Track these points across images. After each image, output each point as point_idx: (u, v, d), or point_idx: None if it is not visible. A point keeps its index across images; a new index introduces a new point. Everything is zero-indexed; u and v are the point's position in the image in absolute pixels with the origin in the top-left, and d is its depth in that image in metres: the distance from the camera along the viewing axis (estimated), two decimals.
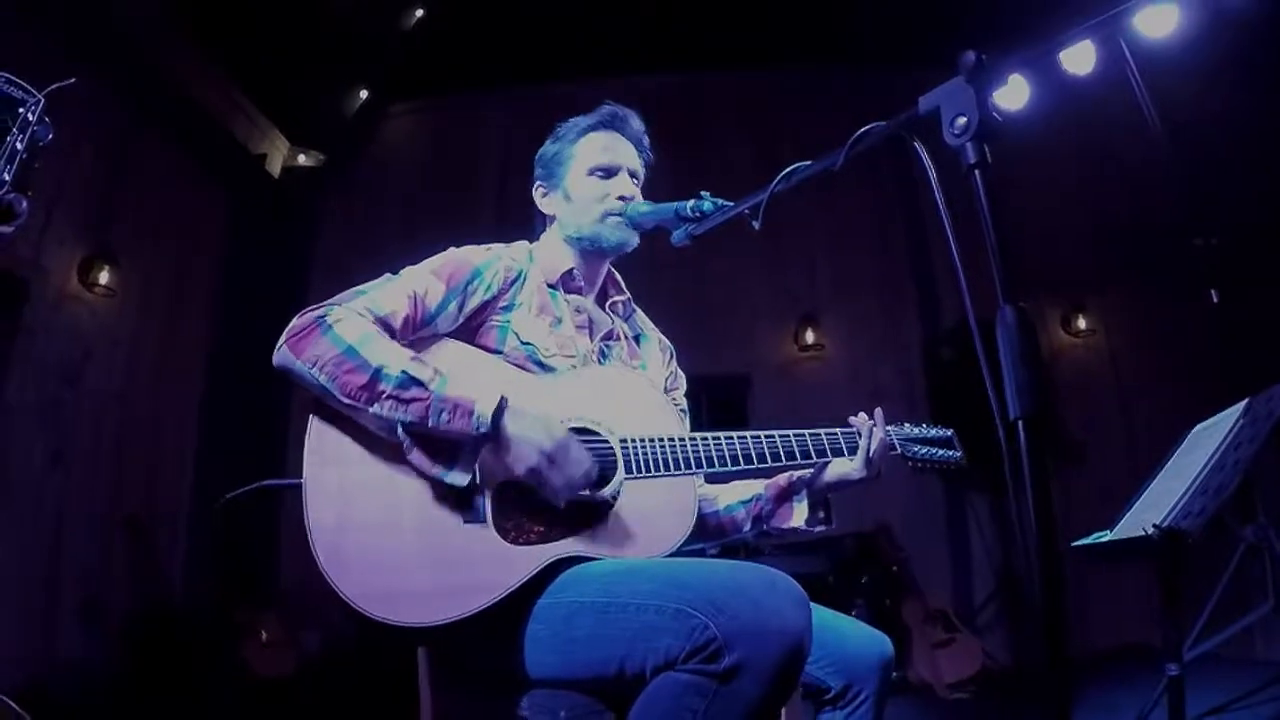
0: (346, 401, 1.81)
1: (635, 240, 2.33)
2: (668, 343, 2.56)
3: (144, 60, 6.53)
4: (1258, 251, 6.49)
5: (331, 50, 7.53)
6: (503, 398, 1.85)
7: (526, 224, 2.47)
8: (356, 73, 8.16)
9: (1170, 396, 7.02)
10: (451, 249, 2.16)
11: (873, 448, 2.26)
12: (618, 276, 2.46)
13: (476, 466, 1.86)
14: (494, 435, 1.84)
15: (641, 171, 2.40)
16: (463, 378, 1.88)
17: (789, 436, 2.18)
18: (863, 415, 2.31)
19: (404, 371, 1.82)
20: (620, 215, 2.29)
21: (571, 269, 2.30)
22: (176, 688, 5.87)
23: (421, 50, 7.91)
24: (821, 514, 2.40)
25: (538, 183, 2.41)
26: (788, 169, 1.84)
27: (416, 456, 1.84)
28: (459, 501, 1.87)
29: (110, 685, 5.87)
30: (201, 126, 7.32)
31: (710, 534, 2.47)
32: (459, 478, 1.84)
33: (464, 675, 2.03)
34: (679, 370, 2.56)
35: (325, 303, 1.92)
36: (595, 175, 2.32)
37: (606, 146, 2.36)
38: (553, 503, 1.89)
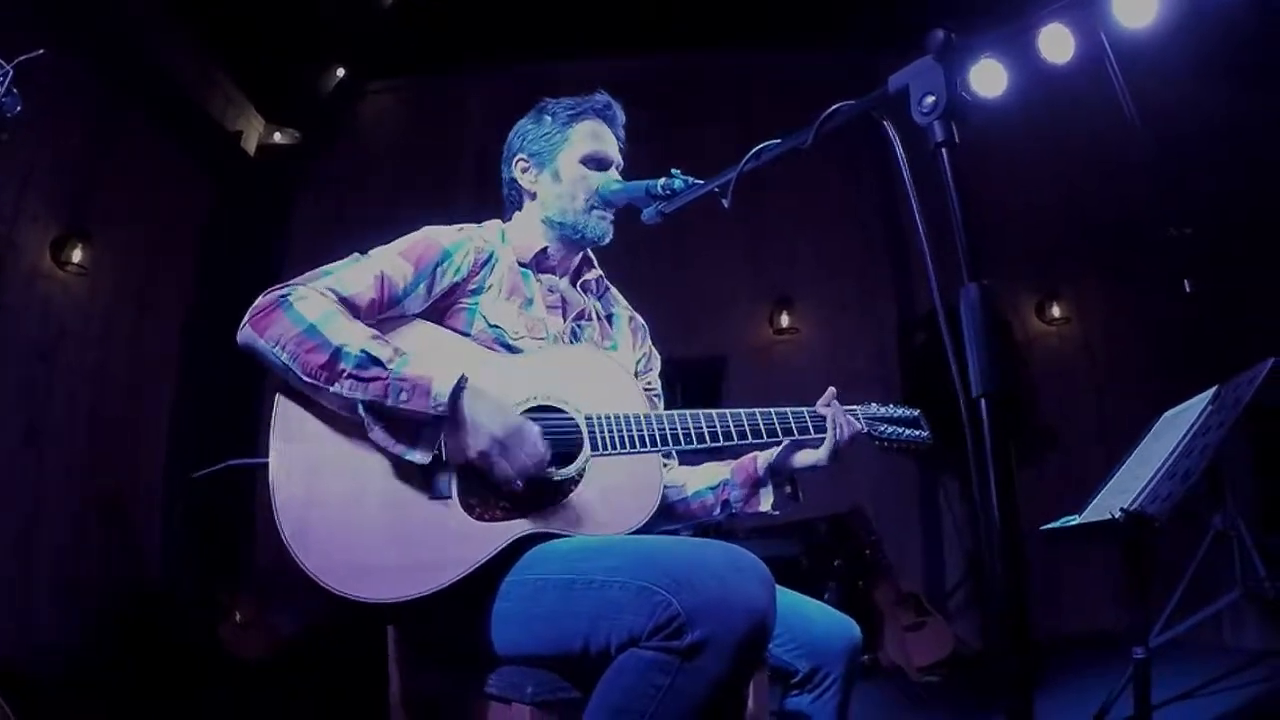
0: (307, 380, 1.81)
1: (611, 234, 2.34)
2: (640, 320, 2.56)
3: (120, 36, 6.47)
4: (1231, 243, 6.54)
5: (309, 28, 7.47)
6: (461, 377, 1.84)
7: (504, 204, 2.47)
8: (334, 50, 8.09)
9: (1143, 384, 7.06)
10: (422, 229, 2.16)
11: (840, 439, 2.26)
12: (590, 255, 2.46)
13: (441, 445, 1.86)
14: (451, 415, 1.83)
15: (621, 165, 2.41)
16: (425, 358, 1.88)
17: (755, 415, 2.18)
18: (831, 390, 2.31)
19: (363, 350, 1.81)
20: (604, 208, 2.30)
21: (545, 248, 2.30)
22: (152, 668, 5.85)
23: (400, 28, 7.85)
24: (789, 490, 2.40)
25: (519, 156, 2.39)
26: (757, 147, 1.84)
27: (379, 434, 1.83)
28: (425, 478, 1.87)
29: (85, 665, 5.84)
30: (177, 103, 7.25)
31: (681, 519, 2.48)
32: (421, 456, 1.84)
33: (432, 653, 2.04)
34: (654, 350, 2.56)
35: (289, 282, 1.91)
36: (588, 164, 2.32)
37: (600, 137, 2.36)
38: (505, 488, 1.88)
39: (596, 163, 2.32)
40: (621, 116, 2.43)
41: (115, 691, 5.54)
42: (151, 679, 5.74)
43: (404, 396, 1.80)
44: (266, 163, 8.38)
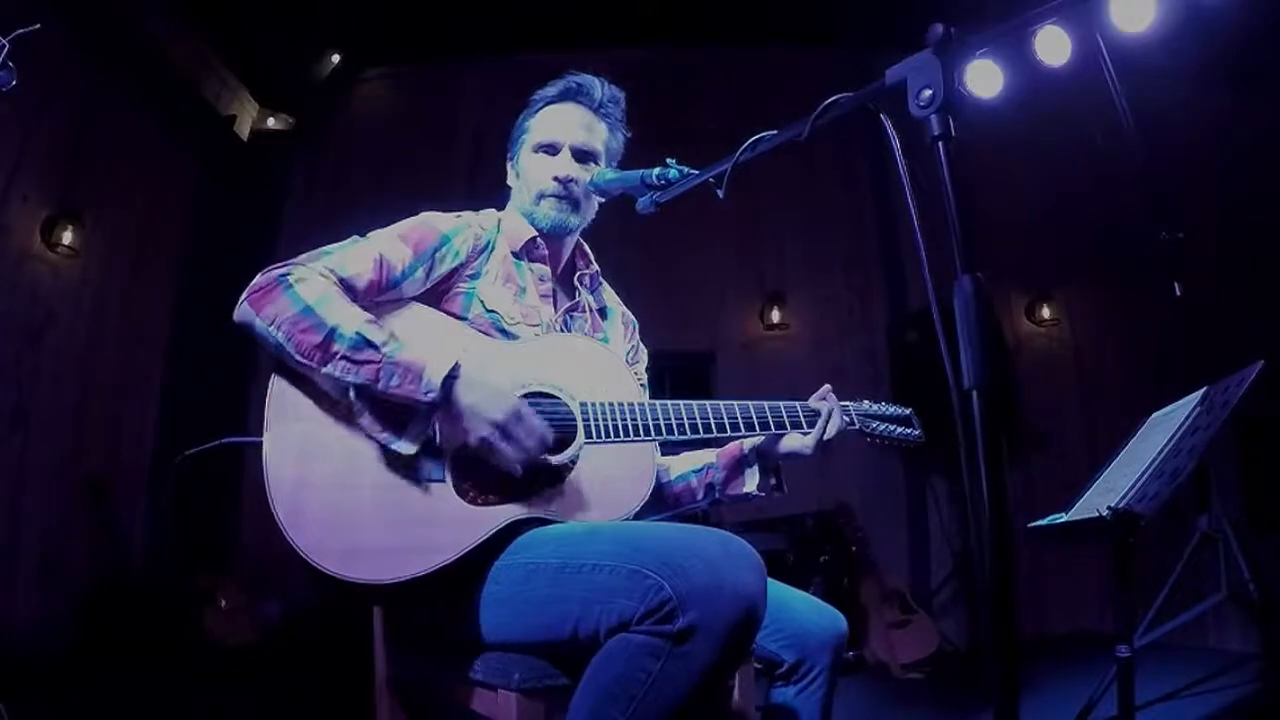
0: (301, 360, 1.80)
1: (574, 222, 2.33)
2: (631, 316, 2.57)
3: (114, 16, 6.44)
4: (1220, 247, 6.57)
5: (304, 13, 7.45)
6: (455, 365, 1.84)
7: (498, 192, 2.48)
8: (329, 36, 8.08)
9: (1131, 386, 7.11)
10: (422, 214, 2.16)
11: (829, 433, 2.27)
12: (586, 249, 2.47)
13: (434, 430, 1.86)
14: (445, 403, 1.83)
15: (598, 144, 2.37)
16: (421, 343, 1.88)
17: (748, 407, 2.19)
18: (827, 387, 2.32)
19: (358, 333, 1.81)
20: (555, 197, 2.29)
21: (534, 237, 2.30)
22: (134, 653, 5.84)
23: (396, 15, 7.84)
24: (773, 480, 2.41)
25: (508, 157, 2.45)
26: (753, 138, 1.84)
27: (366, 420, 1.84)
28: (419, 461, 1.86)
29: (67, 649, 5.83)
30: (172, 87, 7.24)
31: (666, 504, 2.49)
32: (405, 446, 1.84)
33: (419, 638, 2.04)
34: (641, 345, 2.57)
35: (289, 261, 1.91)
36: (541, 153, 2.33)
37: (556, 122, 2.35)
38: (508, 471, 1.89)
39: (547, 149, 2.33)
40: (599, 91, 2.39)
41: (98, 676, 5.53)
42: (135, 665, 5.72)
43: (396, 381, 1.80)
44: (259, 148, 8.37)
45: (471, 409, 1.84)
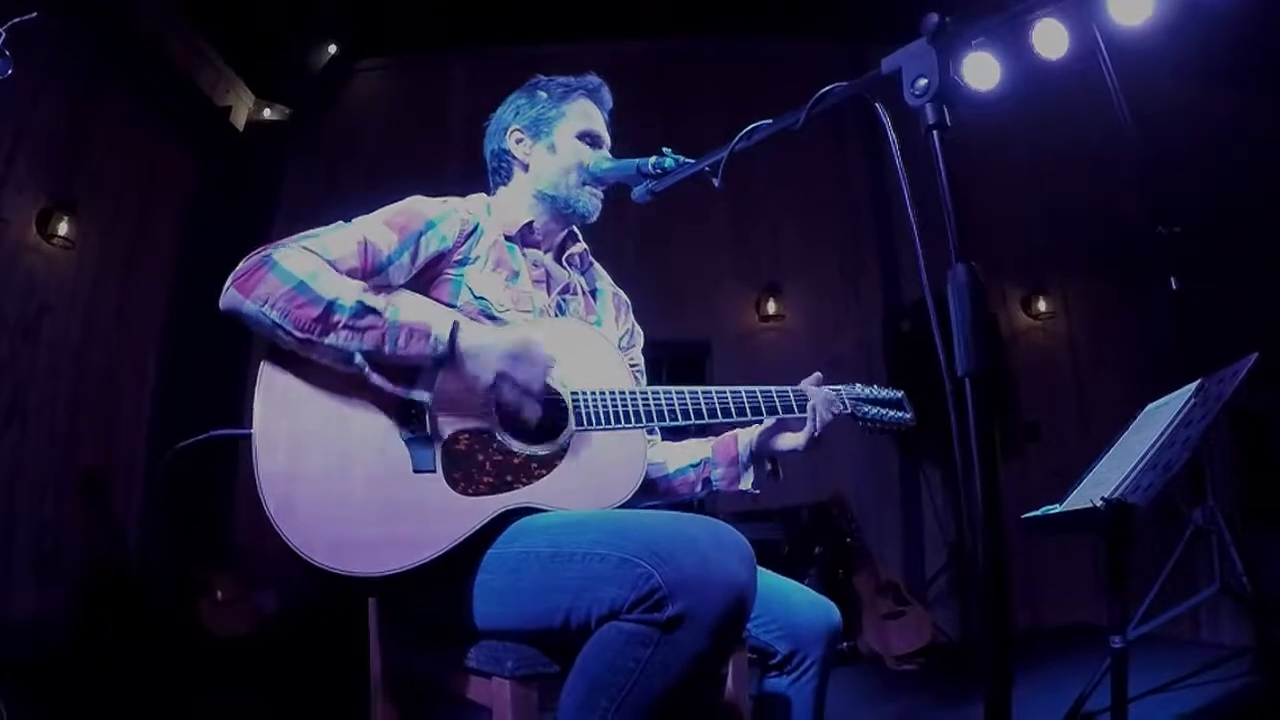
0: (300, 335, 1.79)
1: (599, 211, 2.36)
2: (624, 296, 2.57)
3: (110, 7, 6.42)
4: (1218, 241, 6.56)
5: (300, 3, 7.44)
6: (456, 321, 1.87)
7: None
8: (325, 27, 8.07)
9: (1127, 380, 7.12)
10: (407, 199, 2.16)
11: (819, 428, 2.28)
12: (575, 229, 2.46)
13: (435, 392, 1.88)
14: (451, 356, 1.85)
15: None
16: (416, 310, 1.89)
17: (740, 393, 2.20)
18: (817, 375, 2.33)
19: (359, 301, 1.81)
20: (595, 185, 2.32)
21: (531, 222, 2.30)
22: (131, 647, 5.84)
23: (393, 6, 7.83)
24: (769, 468, 2.43)
25: (513, 128, 2.39)
26: (749, 127, 1.84)
27: (377, 379, 1.84)
28: (410, 451, 1.86)
29: (64, 642, 5.83)
30: (167, 78, 7.22)
31: (661, 496, 2.49)
32: (421, 394, 1.86)
33: (413, 627, 2.04)
34: (636, 326, 2.57)
35: (270, 244, 1.89)
36: (584, 140, 2.34)
37: (593, 115, 2.39)
38: (524, 410, 1.91)
39: (591, 139, 2.35)
40: (610, 100, 2.45)
41: (94, 670, 5.53)
42: (132, 657, 5.72)
43: (402, 341, 1.82)
44: (255, 138, 8.35)
45: (479, 348, 1.87)
